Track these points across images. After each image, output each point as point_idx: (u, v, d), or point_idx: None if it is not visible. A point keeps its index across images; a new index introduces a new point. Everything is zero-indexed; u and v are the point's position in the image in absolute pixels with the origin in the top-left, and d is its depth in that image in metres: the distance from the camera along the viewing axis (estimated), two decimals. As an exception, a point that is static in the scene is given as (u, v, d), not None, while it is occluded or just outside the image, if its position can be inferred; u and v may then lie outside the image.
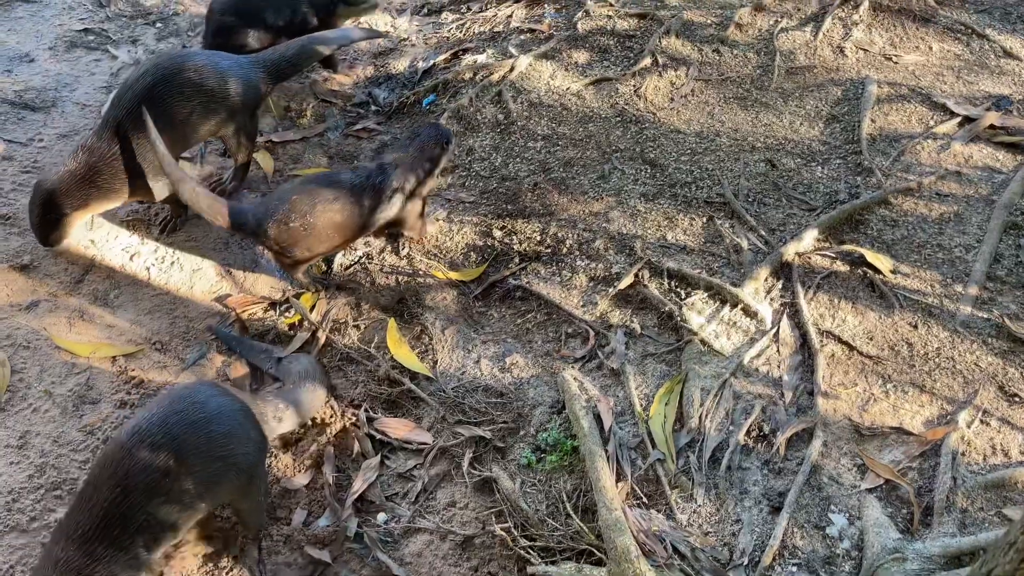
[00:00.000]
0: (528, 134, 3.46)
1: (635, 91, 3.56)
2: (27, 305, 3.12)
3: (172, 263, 3.29)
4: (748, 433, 2.42)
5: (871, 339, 2.62)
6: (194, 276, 3.27)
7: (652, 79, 3.59)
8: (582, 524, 2.28)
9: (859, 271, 2.82)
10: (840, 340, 2.62)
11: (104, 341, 3.01)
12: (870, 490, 2.27)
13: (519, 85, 3.64)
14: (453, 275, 3.12)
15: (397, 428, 2.74)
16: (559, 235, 3.08)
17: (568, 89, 3.61)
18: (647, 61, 3.67)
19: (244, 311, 3.16)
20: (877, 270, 2.79)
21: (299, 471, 2.70)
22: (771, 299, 2.76)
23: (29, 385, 2.89)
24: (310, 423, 2.78)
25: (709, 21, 3.89)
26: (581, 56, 3.81)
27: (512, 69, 3.70)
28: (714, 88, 3.57)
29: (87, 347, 3.00)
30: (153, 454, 2.13)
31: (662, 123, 3.42)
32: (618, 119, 3.46)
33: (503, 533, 2.32)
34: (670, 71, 3.62)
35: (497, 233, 3.17)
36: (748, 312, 2.71)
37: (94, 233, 3.34)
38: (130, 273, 3.25)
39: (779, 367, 2.59)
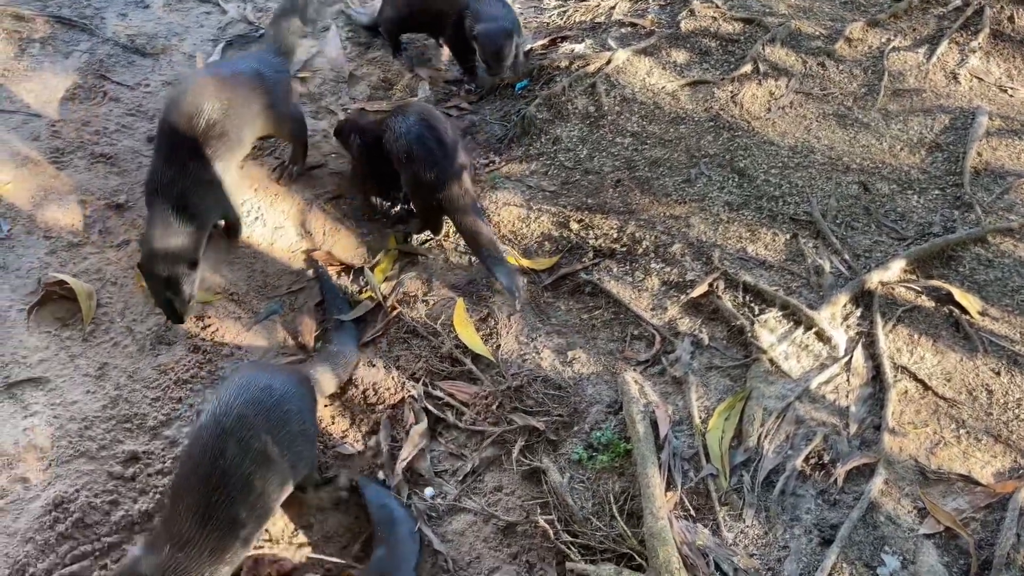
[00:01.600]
0: (617, 129, 3.43)
1: (732, 97, 3.49)
2: (119, 243, 3.25)
3: (256, 218, 3.39)
4: (807, 460, 2.36)
5: (949, 380, 2.53)
6: (275, 233, 3.36)
7: (751, 86, 3.51)
8: (626, 528, 2.28)
9: (945, 309, 2.71)
10: (915, 377, 2.54)
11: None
12: (928, 536, 2.19)
13: (614, 79, 3.60)
14: (525, 263, 3.12)
15: (457, 391, 2.78)
16: (636, 235, 3.05)
17: (663, 88, 3.56)
18: (748, 67, 3.58)
19: (316, 272, 3.24)
20: (964, 310, 2.68)
21: (354, 439, 2.76)
22: (847, 326, 2.68)
23: (112, 320, 3.02)
24: (369, 397, 2.84)
25: (817, 32, 3.78)
26: (680, 56, 3.74)
27: (609, 62, 3.67)
28: (814, 102, 3.47)
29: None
30: (242, 447, 2.22)
31: (756, 132, 3.34)
32: (711, 124, 3.39)
33: (546, 525, 2.33)
34: (770, 80, 3.53)
35: (574, 226, 3.16)
36: (822, 337, 2.64)
37: (187, 181, 3.45)
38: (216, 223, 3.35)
39: (847, 397, 2.51)
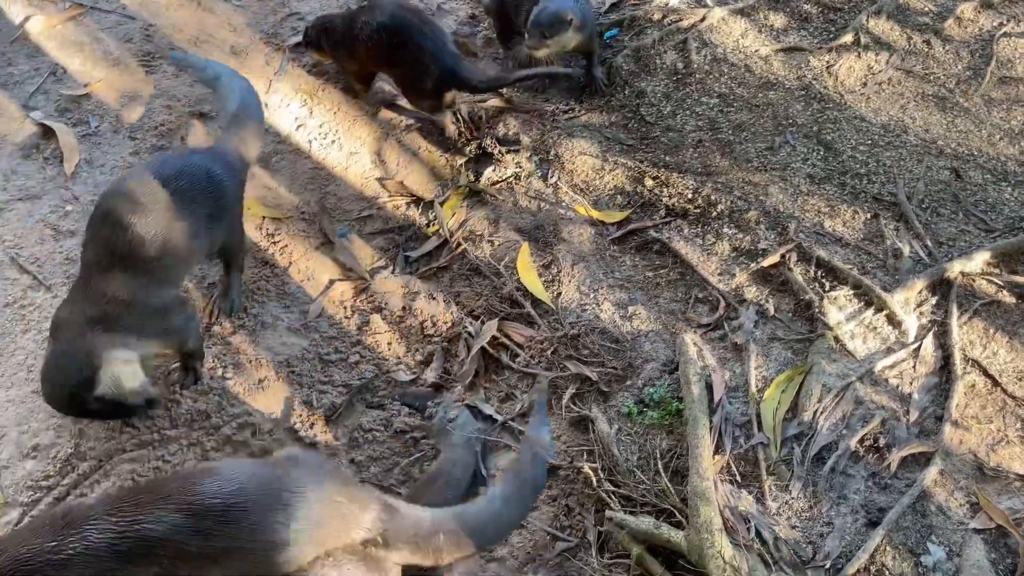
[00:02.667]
0: (704, 89, 3.34)
1: (827, 67, 3.36)
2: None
3: (333, 141, 3.42)
4: (861, 441, 2.32)
5: (1020, 379, 2.45)
6: (350, 158, 3.39)
7: (849, 58, 3.38)
8: (669, 484, 2.28)
9: (1025, 307, 2.62)
10: (985, 372, 2.46)
11: (258, 200, 3.17)
12: (977, 531, 2.15)
13: (707, 37, 3.50)
14: (595, 214, 3.10)
15: (514, 332, 2.79)
16: (712, 198, 2.99)
17: (757, 51, 3.45)
18: (848, 38, 3.44)
19: (391, 200, 3.26)
20: (1046, 310, 2.58)
21: (407, 367, 2.80)
22: (920, 313, 2.61)
23: (187, 224, 3.09)
24: (427, 328, 2.87)
25: (926, 8, 3.60)
26: (779, 20, 3.61)
27: (703, 19, 3.56)
28: (913, 81, 3.32)
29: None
30: None
31: (848, 106, 3.23)
32: (802, 92, 3.29)
33: (590, 471, 2.35)
34: (870, 53, 3.39)
35: (648, 182, 3.11)
36: (892, 320, 2.57)
37: (269, 97, 3.49)
38: (294, 142, 3.39)
39: (911, 384, 2.46)
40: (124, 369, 2.38)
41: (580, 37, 3.29)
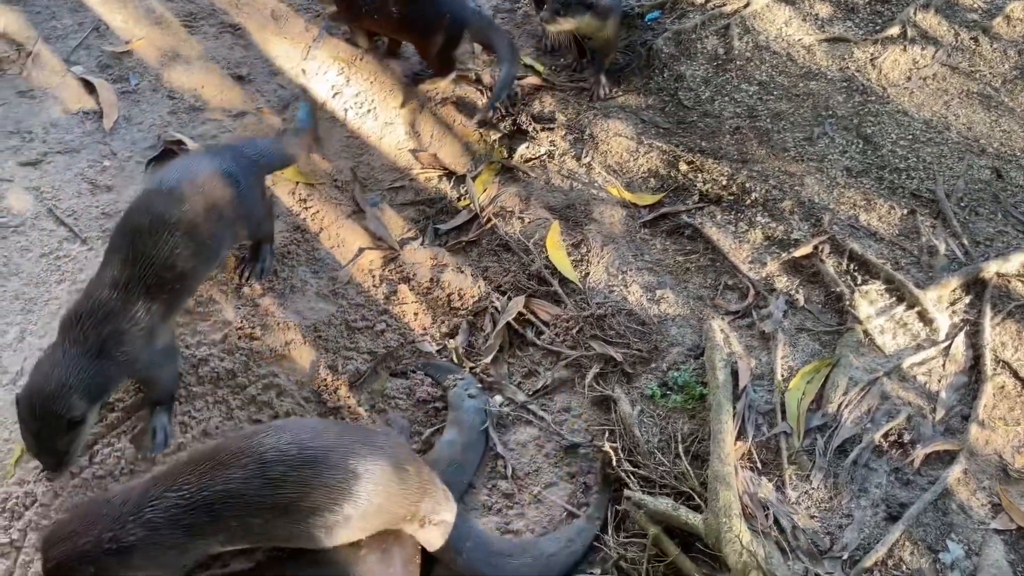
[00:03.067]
0: (744, 76, 3.31)
1: (871, 60, 3.32)
2: (236, 114, 3.34)
3: (368, 111, 3.42)
4: (885, 436, 2.31)
5: (1051, 384, 2.42)
6: (385, 128, 3.39)
7: (894, 52, 3.33)
8: (689, 468, 2.28)
9: (1060, 311, 2.58)
10: (1016, 374, 2.43)
11: (294, 167, 3.19)
12: (998, 531, 2.13)
13: (749, 24, 3.46)
14: (628, 196, 3.08)
15: (540, 309, 2.80)
16: (747, 185, 2.97)
17: (800, 40, 3.40)
18: (895, 31, 3.39)
19: (423, 173, 3.27)
20: (1082, 317, 2.55)
21: (432, 337, 2.82)
22: (953, 312, 2.58)
23: (221, 186, 3.12)
24: (453, 301, 2.88)
25: (976, 5, 3.54)
26: (824, 9, 3.56)
27: (747, 5, 3.52)
28: (959, 78, 3.27)
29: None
30: None
31: (890, 100, 3.18)
32: (844, 84, 3.24)
33: (610, 450, 2.35)
34: (916, 48, 3.34)
35: (683, 166, 3.10)
36: (924, 317, 2.55)
37: (307, 63, 3.50)
38: (329, 109, 3.40)
39: (939, 382, 2.43)
40: None
41: (598, 25, 3.23)
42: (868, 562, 2.06)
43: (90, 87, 3.32)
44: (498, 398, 2.65)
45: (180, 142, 3.14)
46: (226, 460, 1.97)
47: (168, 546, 1.94)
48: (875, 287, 2.62)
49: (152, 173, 3.05)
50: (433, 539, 2.18)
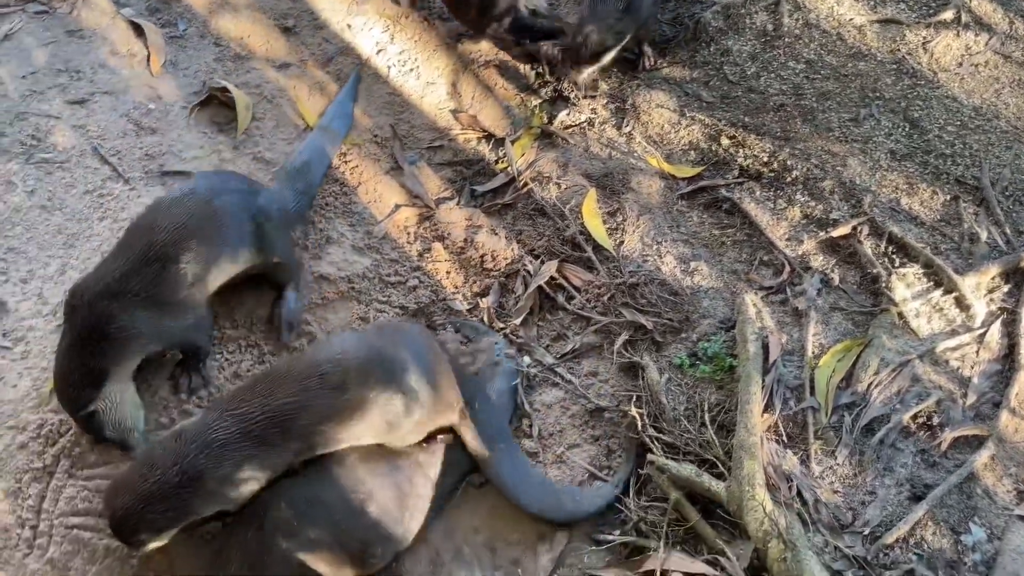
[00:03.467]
0: (792, 53, 3.27)
1: (923, 43, 3.26)
2: (280, 64, 3.36)
3: (411, 69, 3.42)
4: (914, 417, 2.31)
5: (1086, 377, 2.40)
6: (427, 88, 3.39)
7: (947, 36, 3.27)
8: (715, 436, 2.29)
9: (1100, 306, 2.55)
10: (1051, 366, 2.41)
11: (333, 119, 3.21)
12: (1022, 517, 2.13)
13: (801, 1, 3.41)
14: (667, 167, 3.07)
15: (572, 274, 2.81)
16: (788, 163, 2.94)
17: (851, 20, 3.35)
18: (948, 15, 3.32)
19: (462, 134, 3.27)
20: (1122, 312, 2.51)
21: (463, 297, 2.84)
22: (991, 299, 2.55)
23: (264, 135, 3.15)
24: (486, 262, 2.90)
25: (1033, -6, 3.46)
26: (877, -10, 3.51)
27: (799, -18, 3.47)
28: (1012, 67, 3.20)
29: (316, 119, 3.22)
30: None
31: (940, 85, 3.13)
32: (893, 66, 3.20)
33: (636, 414, 2.37)
34: (970, 33, 3.27)
35: (724, 141, 3.08)
36: (961, 304, 2.53)
37: (352, 18, 3.51)
38: (373, 66, 3.41)
39: (972, 368, 2.42)
40: None
41: (631, 39, 3.20)
42: (889, 539, 2.06)
43: (138, 30, 3.36)
44: (526, 359, 2.67)
45: (225, 89, 3.17)
46: (283, 376, 2.04)
47: (240, 461, 1.99)
48: (913, 270, 2.60)
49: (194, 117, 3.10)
50: (470, 432, 2.31)
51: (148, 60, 3.28)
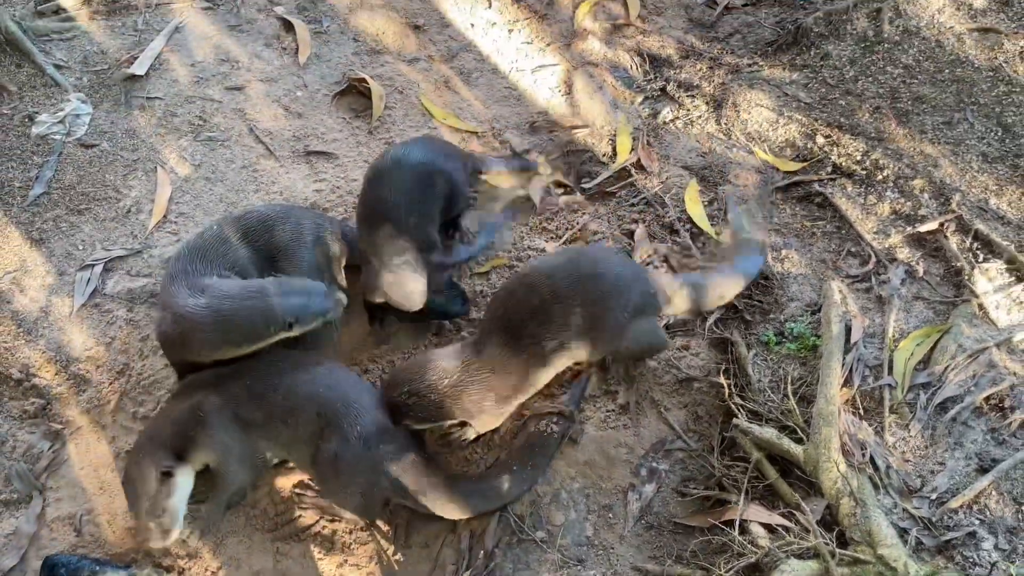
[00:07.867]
0: (890, 59, 3.43)
1: (1020, 52, 3.37)
2: (410, 59, 3.73)
3: (526, 66, 3.73)
4: (987, 399, 2.47)
5: None
6: (541, 83, 3.69)
7: (1046, 45, 3.37)
8: (796, 406, 2.52)
9: None
10: None
11: (456, 114, 3.55)
12: (1086, 497, 2.28)
13: (903, 8, 3.56)
14: (771, 159, 3.28)
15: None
16: (880, 162, 3.12)
17: (951, 28, 3.49)
18: (1050, 25, 3.43)
19: (571, 125, 3.56)
20: None
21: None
22: (1071, 296, 2.69)
23: (395, 122, 3.52)
24: (590, 241, 3.18)
25: None
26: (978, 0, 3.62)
27: (901, -10, 3.61)
28: (1112, 76, 3.29)
29: (442, 113, 3.56)
30: None
31: (1036, 93, 3.25)
32: (990, 74, 3.32)
33: (724, 382, 2.61)
34: (1071, 43, 3.37)
35: (820, 139, 3.27)
36: (1041, 298, 2.68)
37: (474, 17, 3.84)
38: (493, 63, 3.74)
39: (1048, 359, 2.57)
40: None
41: None
42: (955, 503, 2.25)
43: (288, 26, 3.78)
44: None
45: (362, 80, 3.55)
46: (516, 288, 2.53)
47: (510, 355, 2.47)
48: (996, 265, 2.76)
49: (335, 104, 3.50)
50: None
51: (296, 52, 3.70)
